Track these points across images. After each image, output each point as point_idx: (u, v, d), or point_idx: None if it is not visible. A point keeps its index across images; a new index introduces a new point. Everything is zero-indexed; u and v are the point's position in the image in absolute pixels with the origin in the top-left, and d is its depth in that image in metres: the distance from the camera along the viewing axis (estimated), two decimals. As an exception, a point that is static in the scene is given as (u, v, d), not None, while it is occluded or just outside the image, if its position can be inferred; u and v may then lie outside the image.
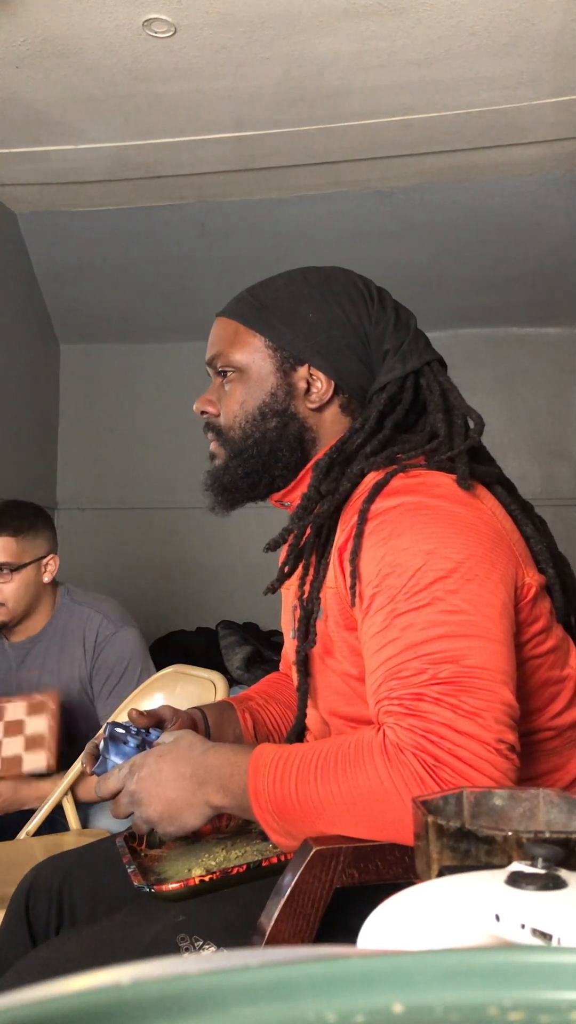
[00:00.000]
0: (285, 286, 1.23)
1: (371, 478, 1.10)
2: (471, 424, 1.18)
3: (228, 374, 1.23)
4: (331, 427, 1.21)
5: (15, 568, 2.24)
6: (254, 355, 1.21)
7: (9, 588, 2.24)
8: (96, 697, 2.30)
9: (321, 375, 1.19)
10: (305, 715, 1.21)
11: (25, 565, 2.27)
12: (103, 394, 4.71)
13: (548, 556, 1.14)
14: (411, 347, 1.19)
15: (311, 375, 1.20)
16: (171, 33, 2.52)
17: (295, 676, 1.21)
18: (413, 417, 1.19)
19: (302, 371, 1.20)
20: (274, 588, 1.19)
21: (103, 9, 2.42)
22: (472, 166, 3.36)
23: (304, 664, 1.17)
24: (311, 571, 1.15)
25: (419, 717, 0.91)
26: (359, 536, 1.04)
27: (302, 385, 1.20)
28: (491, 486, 1.14)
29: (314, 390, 1.20)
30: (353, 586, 1.05)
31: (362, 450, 1.15)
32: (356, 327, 1.19)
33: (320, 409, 1.21)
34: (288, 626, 1.27)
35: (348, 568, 1.05)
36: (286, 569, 1.18)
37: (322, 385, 1.20)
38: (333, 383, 1.20)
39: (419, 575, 0.98)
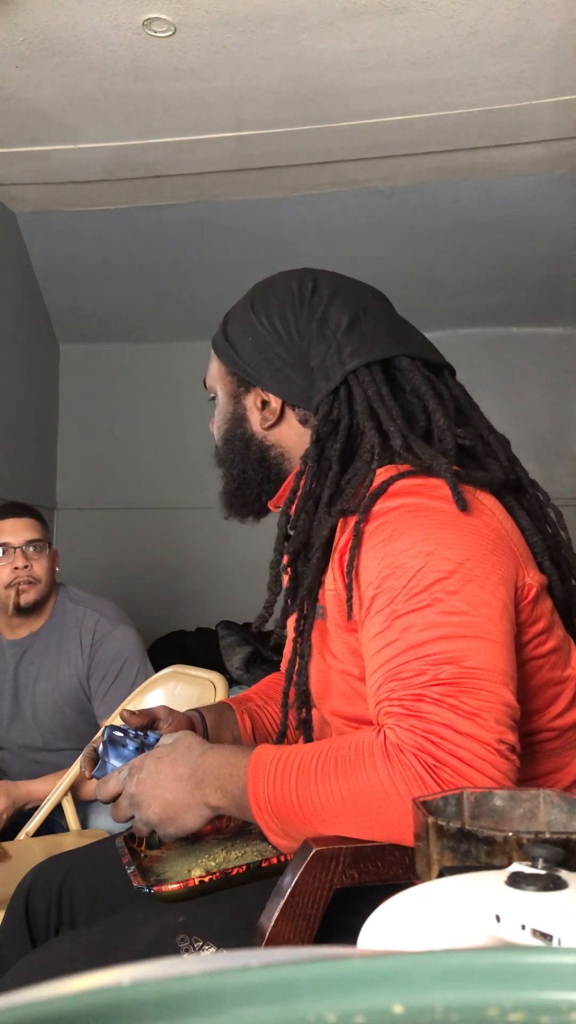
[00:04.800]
0: (239, 309, 1.27)
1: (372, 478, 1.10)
2: (439, 424, 1.12)
3: (213, 400, 1.30)
4: (297, 442, 1.22)
5: (47, 546, 2.33)
6: (218, 382, 1.28)
7: (42, 565, 2.31)
8: (93, 695, 2.31)
9: (270, 395, 1.22)
10: (287, 715, 1.22)
11: (50, 546, 2.36)
12: (103, 394, 4.71)
13: (543, 549, 1.13)
14: (333, 359, 1.15)
15: (263, 396, 1.22)
16: (171, 33, 2.52)
17: (287, 675, 1.22)
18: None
19: (254, 393, 1.23)
20: (279, 634, 1.21)
21: (103, 9, 2.42)
22: (472, 166, 3.36)
23: (303, 666, 1.17)
24: (305, 615, 1.15)
25: (419, 718, 0.91)
26: (357, 544, 1.04)
27: (255, 407, 1.23)
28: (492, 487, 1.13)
29: (267, 411, 1.22)
30: (349, 599, 1.04)
31: (320, 500, 1.12)
32: (289, 343, 1.19)
33: (275, 427, 1.22)
34: (291, 624, 1.26)
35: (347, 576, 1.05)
36: (287, 608, 1.19)
37: (272, 404, 1.22)
38: (281, 401, 1.21)
39: (419, 576, 0.98)
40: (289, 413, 1.22)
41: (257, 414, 1.23)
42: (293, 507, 1.16)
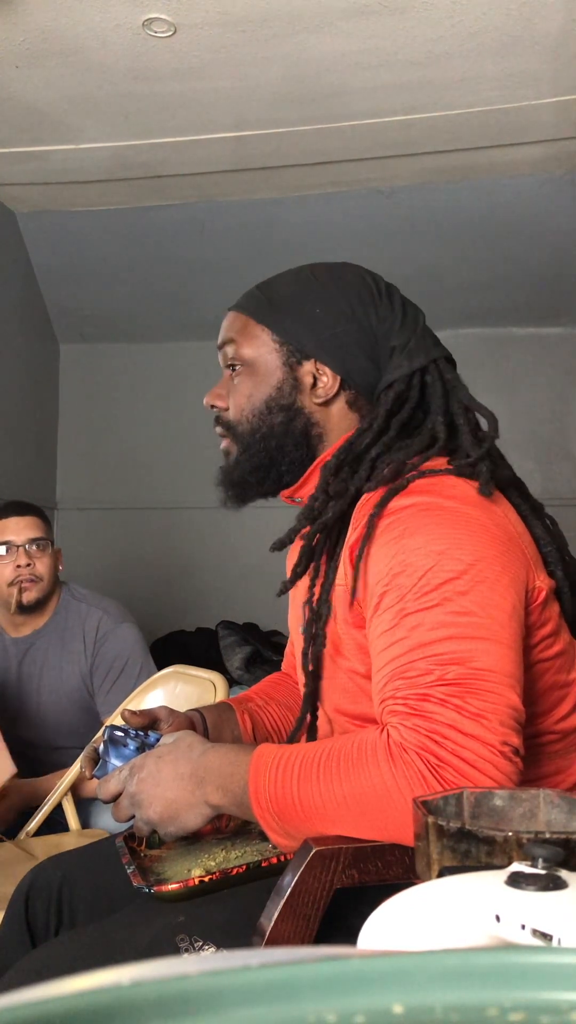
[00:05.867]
0: (294, 281, 1.24)
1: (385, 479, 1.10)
2: (483, 424, 1.17)
3: (236, 368, 1.24)
4: (338, 423, 1.21)
5: (49, 544, 2.33)
6: (261, 349, 1.21)
7: (44, 564, 2.31)
8: (96, 692, 2.31)
9: (327, 370, 1.19)
10: (306, 716, 1.21)
11: (53, 545, 2.35)
12: (103, 394, 4.71)
13: (558, 558, 1.13)
14: (418, 344, 1.19)
15: (317, 370, 1.19)
16: (171, 33, 2.52)
17: (301, 676, 1.21)
18: (421, 415, 1.18)
19: (308, 366, 1.20)
20: (285, 588, 1.19)
21: (103, 9, 2.42)
22: (472, 166, 3.36)
23: (316, 663, 1.16)
24: (321, 573, 1.15)
25: (424, 717, 0.91)
26: (368, 537, 1.04)
27: (308, 380, 1.20)
28: (505, 489, 1.13)
29: (320, 384, 1.19)
30: (354, 588, 1.04)
31: (368, 452, 1.14)
32: (363, 323, 1.18)
33: (326, 404, 1.20)
34: (297, 622, 1.26)
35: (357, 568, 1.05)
36: (298, 570, 1.17)
37: (328, 380, 1.19)
38: (339, 378, 1.19)
39: (429, 575, 0.98)
40: (342, 393, 1.20)
41: (309, 388, 1.21)
42: (337, 465, 1.17)
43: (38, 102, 2.91)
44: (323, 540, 1.15)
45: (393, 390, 1.17)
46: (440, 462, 1.10)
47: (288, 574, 1.20)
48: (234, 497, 1.26)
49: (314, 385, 1.20)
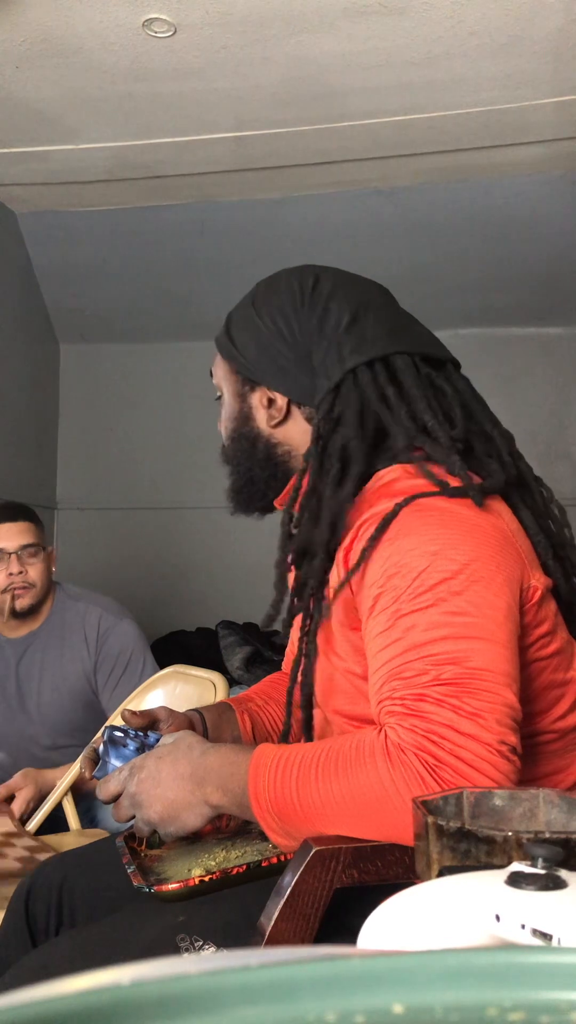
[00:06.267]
0: (241, 308, 1.26)
1: (385, 478, 1.09)
2: (454, 418, 1.12)
3: (219, 399, 1.30)
4: (303, 438, 1.21)
5: (42, 549, 2.32)
6: (223, 381, 1.28)
7: (37, 569, 2.30)
8: (101, 689, 2.31)
9: (276, 393, 1.21)
10: (289, 720, 1.21)
11: (45, 548, 2.34)
12: (103, 394, 4.71)
13: (549, 551, 1.13)
14: (333, 357, 1.16)
15: (268, 394, 1.22)
16: (171, 33, 2.52)
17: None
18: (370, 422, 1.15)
19: (259, 392, 1.22)
20: (286, 632, 1.20)
21: (103, 9, 2.43)
22: (472, 166, 3.36)
23: (307, 701, 1.17)
24: (311, 614, 1.15)
25: (421, 718, 0.91)
26: (372, 545, 1.04)
27: (261, 405, 1.23)
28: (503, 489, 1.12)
29: (272, 408, 1.22)
30: (341, 586, 1.05)
31: (322, 508, 1.11)
32: (292, 342, 1.19)
33: (282, 425, 1.22)
34: (296, 624, 1.26)
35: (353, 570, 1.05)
36: (291, 618, 1.19)
37: (278, 402, 1.21)
38: (287, 399, 1.21)
39: (424, 576, 0.98)
40: (295, 411, 1.21)
41: (263, 412, 1.22)
42: (296, 505, 1.16)
43: (38, 102, 2.91)
44: (310, 589, 1.13)
45: (319, 415, 1.15)
46: (437, 470, 1.07)
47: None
48: (241, 511, 1.31)
49: (269, 408, 1.22)
